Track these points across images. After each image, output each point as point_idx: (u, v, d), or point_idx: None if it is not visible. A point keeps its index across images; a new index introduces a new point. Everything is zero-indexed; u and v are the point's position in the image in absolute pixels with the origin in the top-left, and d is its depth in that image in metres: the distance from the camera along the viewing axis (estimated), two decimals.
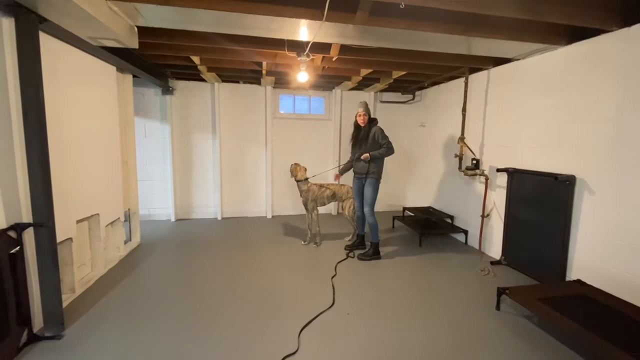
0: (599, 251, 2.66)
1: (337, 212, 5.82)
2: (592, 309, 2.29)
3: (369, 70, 4.14)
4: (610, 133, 2.57)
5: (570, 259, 2.88)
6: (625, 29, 2.45)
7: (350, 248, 3.91)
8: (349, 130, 5.63)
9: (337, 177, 3.96)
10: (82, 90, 2.78)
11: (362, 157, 3.53)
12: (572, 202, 2.83)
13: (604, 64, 2.62)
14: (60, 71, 2.46)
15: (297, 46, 3.18)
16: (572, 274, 2.86)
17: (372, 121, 3.59)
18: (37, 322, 2.17)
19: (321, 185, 4.09)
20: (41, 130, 2.06)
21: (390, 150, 3.51)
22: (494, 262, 3.57)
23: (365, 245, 3.94)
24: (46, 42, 2.23)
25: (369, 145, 3.52)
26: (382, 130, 3.53)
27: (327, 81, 5.05)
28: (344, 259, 3.64)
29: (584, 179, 2.76)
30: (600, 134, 2.64)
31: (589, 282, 2.63)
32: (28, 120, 2.02)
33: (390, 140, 3.52)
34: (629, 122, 2.44)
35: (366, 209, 3.60)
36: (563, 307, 2.25)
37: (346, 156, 5.69)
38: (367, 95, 5.66)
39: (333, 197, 4.12)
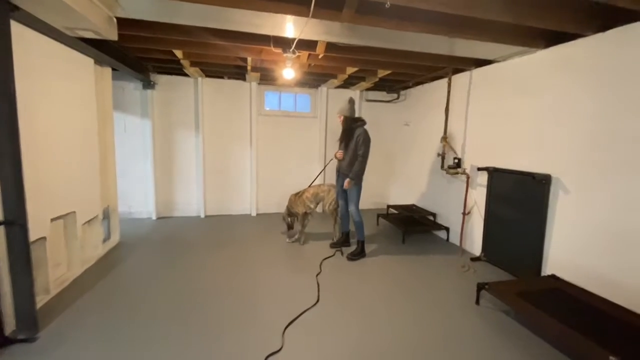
0: (572, 247, 2.77)
1: (322, 210, 5.82)
2: (565, 302, 2.39)
3: (355, 69, 4.16)
4: (584, 134, 2.67)
5: (545, 255, 3.00)
6: (600, 34, 2.55)
7: (335, 245, 3.93)
8: (334, 128, 5.69)
9: (340, 154, 3.68)
10: (57, 83, 2.66)
11: (344, 186, 3.56)
12: (547, 200, 2.94)
13: (579, 68, 2.72)
14: (34, 62, 2.34)
15: (283, 42, 3.15)
16: (547, 269, 2.97)
17: (356, 121, 3.56)
18: (9, 324, 2.08)
19: (297, 193, 4.08)
20: (12, 124, 1.97)
21: (362, 164, 3.46)
22: (474, 259, 3.67)
23: (350, 242, 3.97)
24: (18, 31, 2.11)
25: (351, 150, 3.52)
26: (365, 136, 3.46)
27: (313, 78, 5.04)
28: (330, 257, 3.65)
29: (559, 178, 2.87)
30: (574, 135, 2.75)
31: (562, 277, 2.74)
32: None
33: (368, 148, 3.46)
34: (601, 124, 2.55)
35: (352, 208, 3.62)
36: (538, 301, 2.34)
37: (332, 154, 5.73)
38: (353, 94, 5.67)
39: (316, 197, 4.05)
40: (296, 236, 4.12)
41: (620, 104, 2.42)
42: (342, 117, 3.58)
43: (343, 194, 3.76)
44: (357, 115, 3.68)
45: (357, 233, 3.70)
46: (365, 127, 3.56)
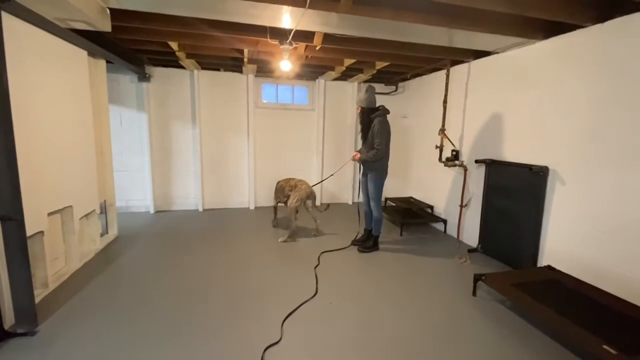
0: (568, 238, 2.79)
1: (321, 204, 5.83)
2: (560, 292, 2.42)
3: (353, 61, 4.12)
4: (580, 126, 2.67)
5: (541, 246, 3.02)
6: (599, 25, 2.53)
7: (357, 242, 3.82)
8: (332, 121, 5.67)
9: (355, 155, 3.57)
10: (51, 76, 2.62)
11: (352, 158, 3.60)
12: (544, 192, 2.96)
13: (578, 59, 2.70)
14: (26, 55, 2.30)
15: (279, 34, 3.11)
16: (543, 260, 3.00)
17: (374, 111, 3.39)
18: (9, 318, 2.09)
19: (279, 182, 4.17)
20: (6, 117, 1.94)
21: (377, 155, 3.33)
22: (471, 250, 3.70)
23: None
24: (9, 23, 2.07)
25: (368, 141, 3.44)
26: (381, 126, 3.31)
27: (311, 71, 4.99)
28: (328, 250, 3.65)
29: (556, 170, 2.88)
30: (571, 127, 2.75)
31: (557, 268, 2.77)
32: None
33: (383, 139, 3.31)
34: (598, 116, 2.54)
35: (372, 204, 3.59)
36: (533, 292, 2.37)
37: (330, 147, 5.74)
38: (350, 86, 5.63)
39: (282, 190, 4.03)
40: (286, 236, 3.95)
41: (619, 96, 2.41)
42: (359, 109, 3.44)
43: (366, 188, 3.70)
44: (377, 105, 3.45)
45: (373, 227, 3.67)
46: (388, 116, 3.40)
